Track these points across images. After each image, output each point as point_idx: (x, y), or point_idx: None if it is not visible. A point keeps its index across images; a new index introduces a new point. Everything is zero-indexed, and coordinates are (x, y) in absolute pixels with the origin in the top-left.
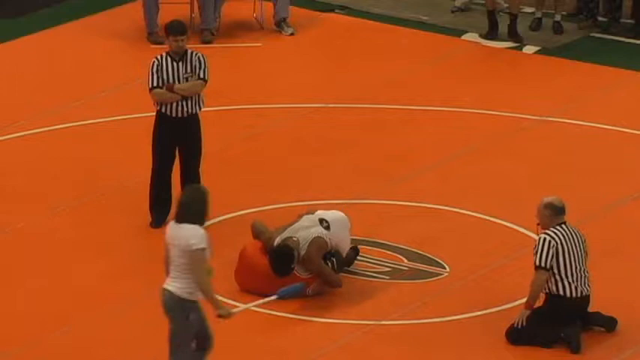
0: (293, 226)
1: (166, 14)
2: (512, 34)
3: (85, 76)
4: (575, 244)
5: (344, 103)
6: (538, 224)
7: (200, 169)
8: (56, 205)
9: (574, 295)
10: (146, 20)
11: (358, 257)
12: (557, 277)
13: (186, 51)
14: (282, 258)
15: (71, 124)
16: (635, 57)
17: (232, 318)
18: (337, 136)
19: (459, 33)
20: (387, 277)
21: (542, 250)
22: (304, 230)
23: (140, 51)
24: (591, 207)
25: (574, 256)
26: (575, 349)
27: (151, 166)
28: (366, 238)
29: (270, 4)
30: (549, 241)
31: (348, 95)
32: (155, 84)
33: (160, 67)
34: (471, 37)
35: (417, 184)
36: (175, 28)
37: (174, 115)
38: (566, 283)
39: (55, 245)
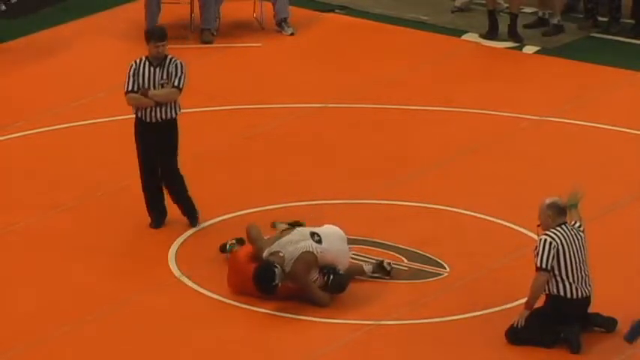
0: (282, 240)
1: (167, 14)
2: (512, 34)
3: (85, 76)
4: (576, 245)
5: (344, 103)
6: (539, 225)
7: (178, 166)
8: (56, 205)
9: (574, 295)
10: (147, 20)
11: (358, 257)
12: (558, 278)
13: (165, 56)
14: (262, 278)
15: (71, 124)
16: (635, 57)
17: None
18: (337, 136)
19: (459, 33)
20: (387, 277)
21: (543, 252)
22: (292, 245)
23: (140, 51)
24: (591, 207)
25: (575, 257)
26: (575, 350)
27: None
28: (366, 238)
29: (271, 4)
30: (550, 242)
31: (348, 95)
32: (130, 88)
33: (136, 71)
34: (470, 37)
35: (417, 184)
36: (156, 35)
37: (148, 120)
38: (567, 283)
39: (55, 245)
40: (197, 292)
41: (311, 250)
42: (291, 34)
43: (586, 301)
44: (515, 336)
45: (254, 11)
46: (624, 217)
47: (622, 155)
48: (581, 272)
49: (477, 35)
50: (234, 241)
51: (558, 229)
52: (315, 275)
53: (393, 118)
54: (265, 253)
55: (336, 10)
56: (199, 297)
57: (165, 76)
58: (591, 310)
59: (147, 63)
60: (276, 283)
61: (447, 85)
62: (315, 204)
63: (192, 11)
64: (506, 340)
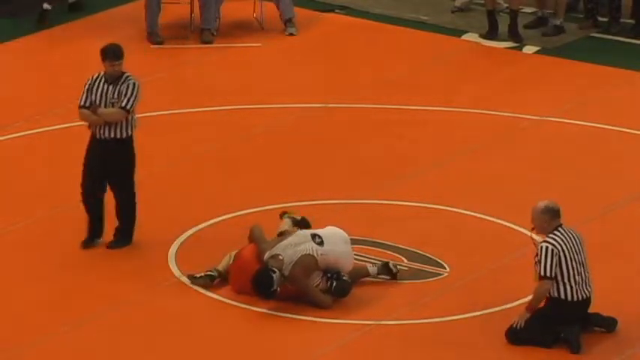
0: (283, 242)
1: (167, 14)
2: (513, 34)
3: (85, 76)
4: (576, 247)
5: (344, 103)
6: (533, 229)
7: (134, 200)
8: (56, 204)
9: (575, 298)
10: (147, 20)
11: (359, 257)
12: (560, 282)
13: (121, 75)
14: (260, 284)
15: (71, 124)
16: (635, 57)
17: None
18: (337, 136)
19: (459, 33)
20: (387, 277)
21: (545, 260)
22: (292, 248)
23: (140, 51)
24: (591, 207)
25: (575, 260)
26: (575, 350)
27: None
28: (366, 238)
29: (271, 4)
30: (552, 250)
31: (348, 95)
32: (82, 103)
33: (91, 87)
34: (470, 37)
35: (417, 184)
36: (112, 54)
37: (98, 136)
38: (568, 287)
39: (54, 245)
40: (197, 292)
41: (311, 252)
42: (290, 34)
43: (586, 302)
44: (515, 336)
45: (254, 11)
46: (624, 217)
47: (622, 155)
48: (581, 274)
49: (477, 35)
50: (205, 274)
51: (557, 233)
52: (317, 279)
53: (393, 118)
54: (266, 256)
55: (336, 10)
56: (199, 297)
57: (116, 95)
58: (591, 310)
59: (102, 79)
60: (275, 289)
61: (447, 85)
62: (315, 204)
63: (192, 11)
64: (506, 340)
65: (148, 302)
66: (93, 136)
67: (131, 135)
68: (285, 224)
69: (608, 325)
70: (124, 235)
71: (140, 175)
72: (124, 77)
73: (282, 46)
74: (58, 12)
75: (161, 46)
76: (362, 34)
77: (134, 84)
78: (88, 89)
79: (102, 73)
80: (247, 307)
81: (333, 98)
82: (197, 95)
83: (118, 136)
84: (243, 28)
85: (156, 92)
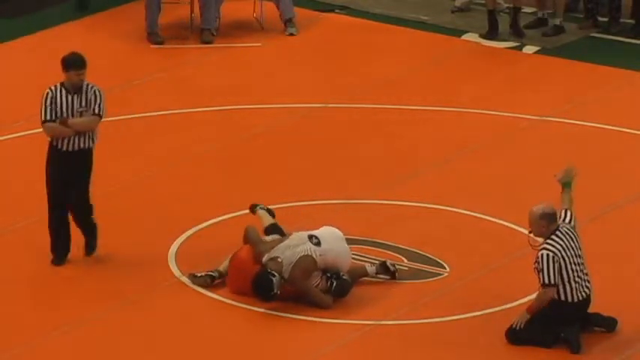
0: (281, 245)
1: (167, 14)
2: (514, 30)
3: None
4: (575, 250)
5: (344, 103)
6: (530, 232)
7: (90, 196)
8: None
9: (575, 299)
10: (147, 20)
11: (359, 257)
12: (561, 285)
13: (83, 83)
14: (260, 288)
15: None
16: (635, 57)
17: None
18: (337, 136)
19: (459, 33)
20: (387, 277)
21: (548, 268)
22: (290, 250)
23: (140, 51)
24: (591, 207)
25: (575, 263)
26: (575, 350)
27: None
28: (366, 238)
29: (271, 4)
30: (552, 257)
31: (348, 95)
32: (48, 117)
33: (53, 100)
34: (471, 37)
35: (417, 184)
36: (76, 63)
37: (64, 148)
38: (568, 288)
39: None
40: (197, 292)
41: (309, 253)
42: (290, 34)
43: (586, 302)
44: (515, 336)
45: (254, 11)
46: (624, 217)
47: (622, 155)
48: (580, 274)
49: (477, 35)
50: (206, 274)
51: (555, 238)
52: (317, 280)
53: (393, 118)
54: (265, 259)
55: (336, 10)
56: (199, 297)
57: (84, 104)
58: (591, 310)
59: (64, 91)
60: (275, 292)
61: (447, 85)
62: (315, 204)
63: (192, 11)
64: (506, 340)
65: (147, 302)
66: (56, 149)
67: (94, 145)
68: (264, 217)
69: (608, 325)
70: (93, 237)
71: (140, 175)
72: (86, 85)
73: (282, 46)
74: (60, 11)
75: (161, 46)
76: (362, 34)
77: (99, 90)
78: (49, 103)
79: (59, 85)
80: (247, 307)
81: (333, 98)
82: (197, 95)
83: (86, 146)
84: (243, 28)
85: (156, 92)
